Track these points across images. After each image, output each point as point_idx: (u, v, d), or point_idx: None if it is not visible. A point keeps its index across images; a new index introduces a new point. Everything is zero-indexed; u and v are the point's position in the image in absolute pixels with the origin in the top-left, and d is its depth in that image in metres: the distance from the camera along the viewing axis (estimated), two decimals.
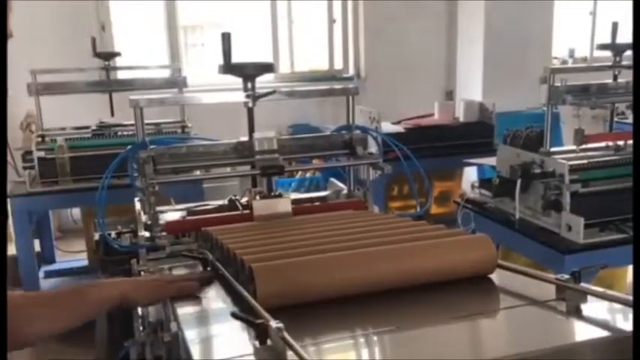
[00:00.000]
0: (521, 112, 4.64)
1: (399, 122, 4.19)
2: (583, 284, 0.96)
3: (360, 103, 4.20)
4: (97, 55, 3.40)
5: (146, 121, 3.77)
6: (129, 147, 1.74)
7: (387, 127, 3.91)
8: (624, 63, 2.56)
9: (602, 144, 2.61)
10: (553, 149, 2.57)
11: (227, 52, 1.77)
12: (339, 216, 1.55)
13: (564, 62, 5.78)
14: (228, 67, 1.77)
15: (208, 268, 1.34)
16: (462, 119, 4.08)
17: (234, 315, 0.87)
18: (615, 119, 4.75)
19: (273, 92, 1.81)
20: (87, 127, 3.55)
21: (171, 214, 1.83)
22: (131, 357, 1.54)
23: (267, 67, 1.80)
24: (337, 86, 1.99)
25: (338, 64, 5.70)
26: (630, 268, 2.93)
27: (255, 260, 1.05)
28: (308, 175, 4.72)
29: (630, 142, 2.58)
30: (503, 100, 4.27)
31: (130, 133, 3.69)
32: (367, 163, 1.81)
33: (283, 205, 1.68)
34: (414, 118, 4.23)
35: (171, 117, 3.89)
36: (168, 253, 1.54)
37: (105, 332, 1.88)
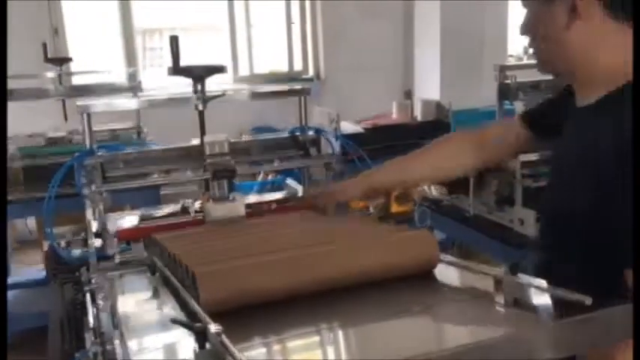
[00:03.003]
0: (478, 109, 4.72)
1: (358, 122, 4.22)
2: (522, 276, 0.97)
3: (321, 104, 4.22)
4: (49, 60, 3.34)
5: (102, 127, 3.74)
6: (76, 154, 1.71)
7: (347, 127, 3.93)
8: None
9: None
10: None
11: (175, 55, 1.75)
12: (290, 218, 1.55)
13: (519, 59, 5.90)
14: (177, 70, 1.76)
15: (156, 274, 1.33)
16: (419, 118, 4.13)
17: (173, 320, 0.86)
18: None
19: (223, 94, 1.81)
20: (40, 135, 3.49)
21: (124, 221, 1.81)
22: None
23: (217, 69, 1.79)
24: (297, 87, 2.01)
25: (298, 66, 5.71)
26: None
27: (198, 265, 1.04)
28: (270, 177, 4.71)
29: None
30: (461, 98, 4.33)
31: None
32: (318, 165, 1.81)
33: (236, 209, 1.67)
34: (372, 118, 4.26)
35: (128, 122, 3.86)
36: (119, 261, 1.52)
37: (58, 342, 1.85)
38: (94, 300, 1.49)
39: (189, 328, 0.82)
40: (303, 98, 1.91)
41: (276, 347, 0.91)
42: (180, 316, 1.04)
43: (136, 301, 1.32)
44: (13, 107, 3.53)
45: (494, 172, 2.48)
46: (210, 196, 1.74)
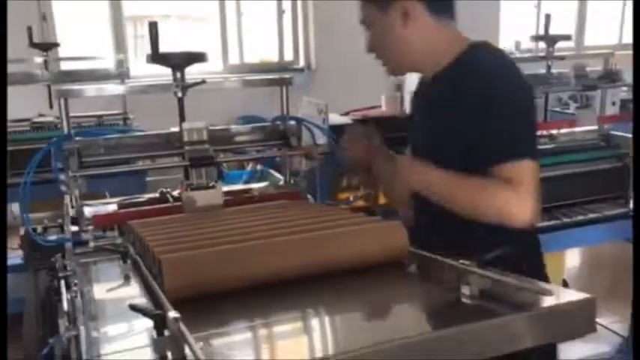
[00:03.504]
0: None
1: (347, 113, 4.20)
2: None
3: (311, 95, 4.20)
4: (34, 45, 3.30)
5: (88, 113, 3.72)
6: (53, 139, 1.70)
7: (335, 118, 3.91)
8: (557, 54, 2.63)
9: (538, 133, 2.67)
10: None
11: (154, 42, 1.74)
12: (267, 207, 1.54)
13: (511, 54, 5.89)
14: (156, 57, 1.75)
15: (128, 262, 1.32)
16: (408, 111, 4.11)
17: (132, 307, 0.86)
18: (558, 109, 4.85)
19: (203, 82, 1.79)
20: (26, 120, 3.46)
21: (103, 207, 1.80)
22: (55, 353, 1.50)
23: (197, 57, 1.78)
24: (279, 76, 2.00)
25: (289, 56, 5.67)
26: (566, 253, 3.03)
27: (166, 252, 1.04)
28: (259, 167, 4.69)
29: (563, 130, 2.65)
30: None
31: (72, 125, 3.62)
32: (297, 154, 1.81)
33: (213, 197, 1.66)
34: (361, 110, 4.24)
35: (116, 109, 3.84)
36: (93, 247, 1.51)
37: (34, 328, 1.84)
38: (68, 286, 1.49)
39: (147, 315, 0.82)
40: (284, 88, 1.90)
41: (237, 335, 0.90)
42: (149, 302, 1.04)
43: (108, 288, 1.31)
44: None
45: None
46: (189, 184, 1.73)
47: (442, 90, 1.41)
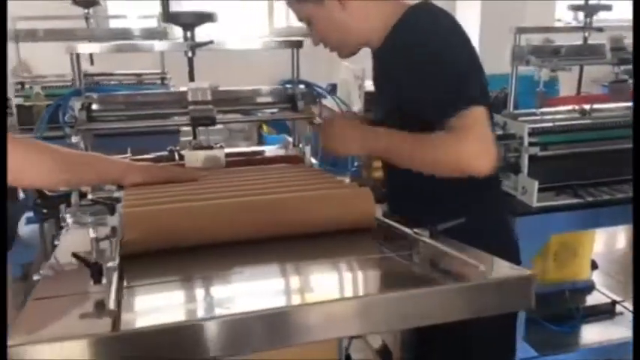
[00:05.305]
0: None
1: None
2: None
3: (352, 61, 4.15)
4: (76, 2, 3.39)
5: (127, 71, 3.79)
6: (65, 95, 1.76)
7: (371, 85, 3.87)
8: (595, 25, 2.50)
9: (570, 107, 2.57)
10: (519, 111, 2.54)
11: (165, 2, 1.76)
12: (262, 169, 1.56)
13: (568, 24, 5.64)
14: (167, 16, 1.77)
15: (116, 214, 1.37)
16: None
17: (74, 255, 0.89)
18: (605, 83, 4.63)
19: (211, 42, 1.81)
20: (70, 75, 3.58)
21: None
22: None
23: (207, 17, 1.79)
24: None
25: None
26: (595, 233, 2.93)
27: (132, 206, 1.07)
28: None
29: (596, 106, 2.53)
30: (501, 61, 4.18)
31: (114, 82, 3.73)
32: (298, 118, 1.81)
33: (213, 157, 1.69)
34: None
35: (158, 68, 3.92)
36: (90, 199, 1.57)
37: None
38: None
39: (85, 264, 0.85)
40: (295, 50, 1.89)
41: (170, 289, 0.92)
42: None
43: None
44: (46, 47, 3.64)
45: (502, 137, 2.41)
46: (196, 144, 1.77)
47: (385, 59, 1.47)
